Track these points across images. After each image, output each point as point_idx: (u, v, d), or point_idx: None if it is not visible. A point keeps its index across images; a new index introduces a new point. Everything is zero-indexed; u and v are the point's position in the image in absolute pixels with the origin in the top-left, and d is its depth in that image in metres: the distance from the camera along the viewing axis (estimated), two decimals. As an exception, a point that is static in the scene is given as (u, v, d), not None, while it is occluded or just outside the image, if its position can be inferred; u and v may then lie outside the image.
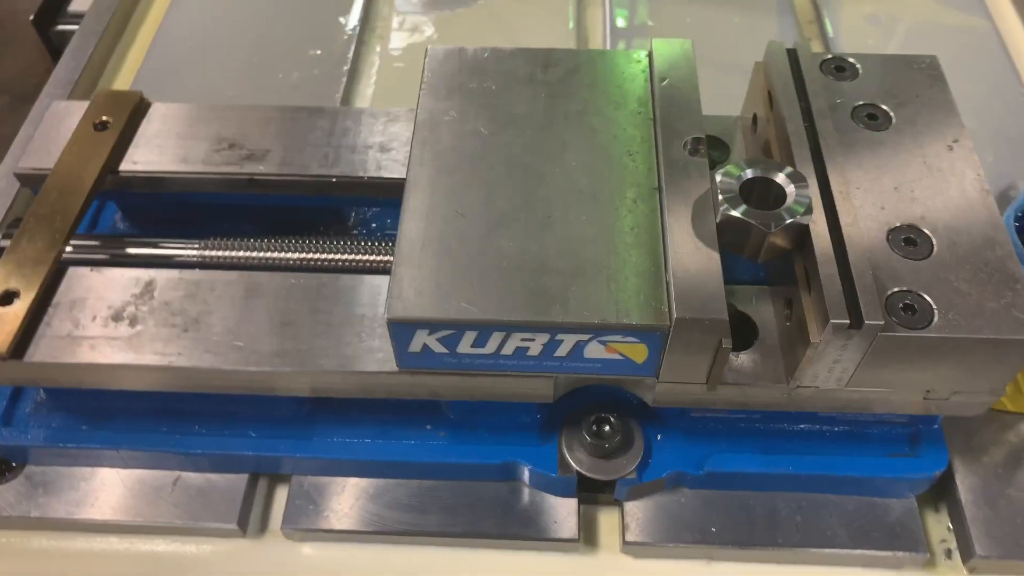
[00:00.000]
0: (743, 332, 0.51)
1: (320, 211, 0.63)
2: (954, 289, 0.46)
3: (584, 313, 0.45)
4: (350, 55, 0.83)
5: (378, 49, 0.86)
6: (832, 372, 0.47)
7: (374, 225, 0.65)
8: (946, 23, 0.87)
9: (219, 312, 0.52)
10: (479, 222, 0.49)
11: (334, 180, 0.59)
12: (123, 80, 0.84)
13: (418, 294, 0.46)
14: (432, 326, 0.45)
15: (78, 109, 0.63)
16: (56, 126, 0.62)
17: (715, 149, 0.60)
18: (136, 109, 0.62)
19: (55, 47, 1.16)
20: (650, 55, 0.57)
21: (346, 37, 0.85)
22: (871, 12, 0.88)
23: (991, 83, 0.81)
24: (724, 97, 0.78)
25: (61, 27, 1.15)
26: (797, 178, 0.47)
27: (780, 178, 0.47)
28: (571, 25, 0.87)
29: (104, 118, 0.61)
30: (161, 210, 0.63)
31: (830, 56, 0.57)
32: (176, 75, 0.82)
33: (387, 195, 0.59)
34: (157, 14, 0.89)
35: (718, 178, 0.47)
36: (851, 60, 0.57)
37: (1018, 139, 0.76)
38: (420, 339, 0.46)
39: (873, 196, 0.49)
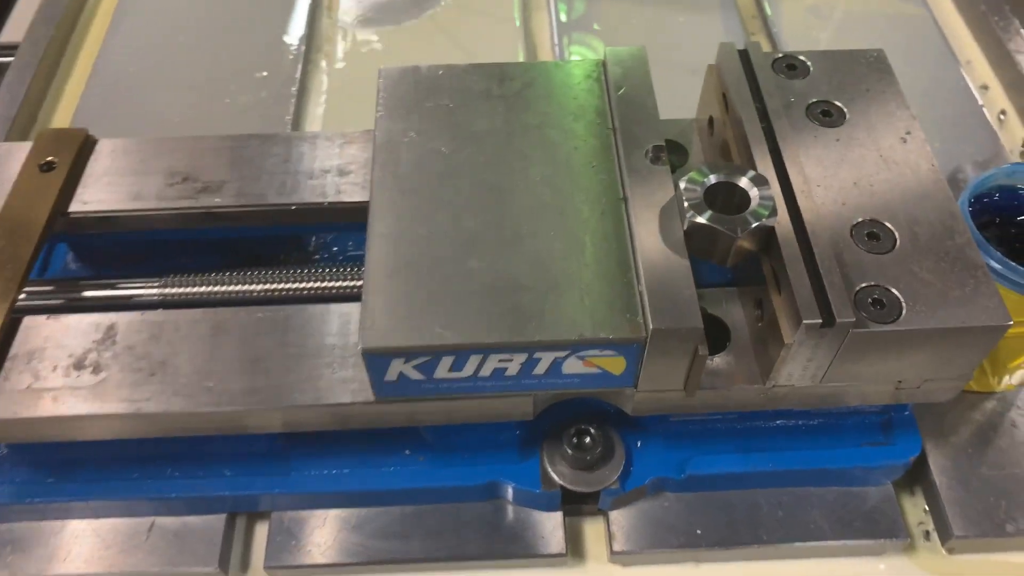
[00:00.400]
0: (716, 335, 0.52)
1: (280, 239, 0.62)
2: (919, 280, 0.47)
3: (560, 329, 0.45)
4: (297, 75, 0.82)
5: (324, 67, 0.85)
6: (806, 370, 0.48)
7: (335, 249, 0.64)
8: (885, 12, 0.89)
9: (186, 353, 0.50)
10: (447, 243, 0.48)
11: (293, 208, 0.58)
12: (63, 113, 0.81)
13: (391, 322, 0.45)
14: (408, 354, 0.45)
15: (20, 151, 0.60)
16: (-1, 170, 0.60)
17: (673, 153, 0.60)
18: (82, 147, 0.60)
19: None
20: (604, 64, 0.57)
21: (291, 57, 0.84)
22: (812, 3, 0.89)
23: (932, 70, 0.83)
24: (674, 96, 0.79)
25: (-8, 60, 1.12)
26: (759, 181, 0.47)
27: (743, 182, 0.47)
28: (518, 23, 0.87)
29: (49, 159, 0.59)
30: (115, 249, 0.61)
31: (781, 55, 0.58)
32: (118, 106, 0.80)
33: (349, 219, 0.58)
34: (94, 42, 0.87)
35: (682, 185, 0.47)
36: (801, 58, 0.57)
37: (961, 123, 0.78)
38: (396, 368, 0.46)
39: (833, 192, 0.50)
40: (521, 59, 0.84)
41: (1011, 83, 0.83)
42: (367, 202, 0.51)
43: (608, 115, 0.55)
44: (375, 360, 0.45)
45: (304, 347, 0.50)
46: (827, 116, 0.54)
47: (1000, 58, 0.85)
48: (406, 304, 0.46)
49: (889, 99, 0.56)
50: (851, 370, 0.48)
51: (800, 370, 0.48)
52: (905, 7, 0.89)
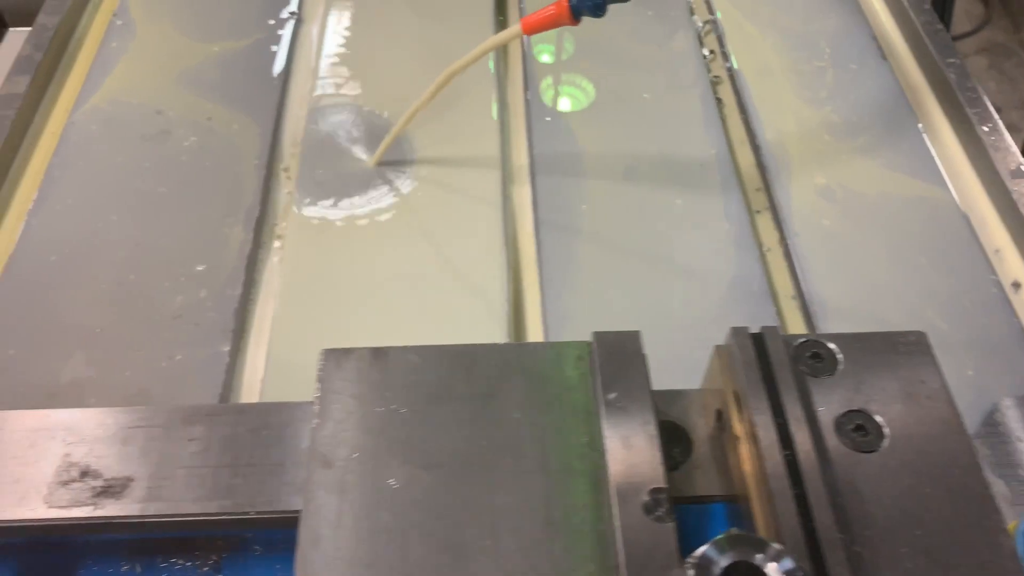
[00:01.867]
0: None
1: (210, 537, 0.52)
2: None
3: None
4: (243, 269, 0.72)
5: (277, 258, 0.75)
6: None
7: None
8: (904, 194, 0.80)
9: None
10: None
11: (214, 519, 0.47)
12: (-29, 315, 0.70)
13: None
14: None
15: None
16: None
17: (676, 445, 0.50)
18: (-40, 425, 0.50)
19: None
20: (592, 350, 0.48)
21: (236, 246, 0.74)
22: (824, 184, 0.80)
23: (959, 270, 0.74)
24: (669, 324, 0.70)
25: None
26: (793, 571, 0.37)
27: (771, 569, 0.37)
28: (501, 253, 0.78)
29: (-85, 445, 0.49)
30: (15, 553, 0.50)
31: (803, 339, 0.48)
32: (32, 312, 0.69)
33: (287, 526, 0.48)
34: (13, 226, 0.76)
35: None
36: (829, 346, 0.48)
37: (997, 343, 0.69)
38: None
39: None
40: (500, 239, 0.75)
41: (1046, 281, 0.74)
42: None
43: (598, 431, 0.45)
44: None
45: None
46: (862, 434, 0.45)
47: (1032, 249, 0.76)
48: None
49: (936, 407, 0.46)
50: None
51: None
52: (926, 188, 0.80)
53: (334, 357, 0.47)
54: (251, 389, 0.66)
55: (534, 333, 0.71)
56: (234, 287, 0.71)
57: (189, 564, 0.54)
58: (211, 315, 0.69)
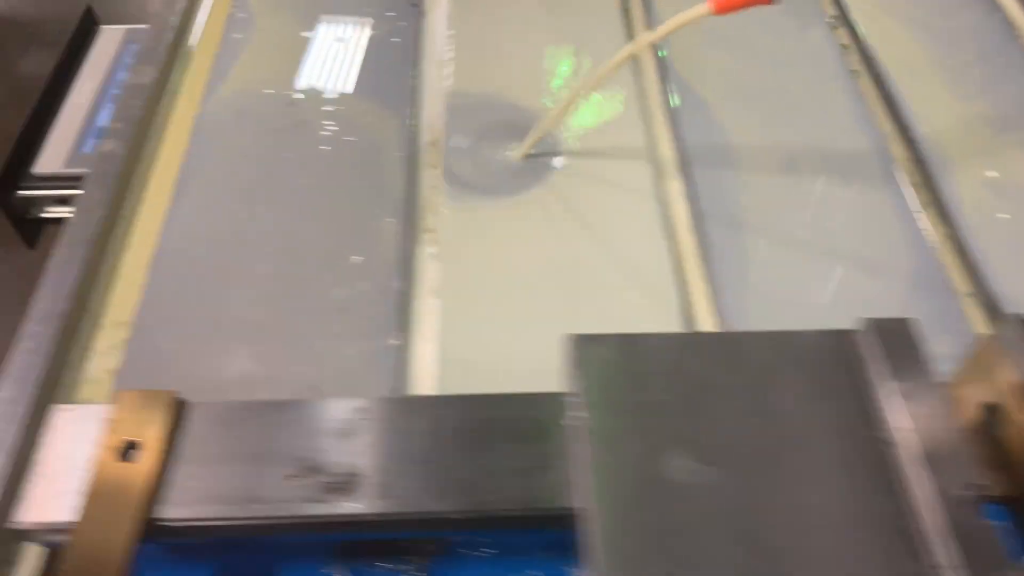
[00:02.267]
0: None
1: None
2: None
3: None
4: (401, 262, 0.69)
5: (430, 250, 0.72)
6: None
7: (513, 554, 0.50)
8: (1073, 189, 0.77)
9: None
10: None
11: (458, 519, 0.44)
12: (119, 308, 0.67)
13: None
14: None
15: (89, 419, 0.47)
16: (63, 451, 0.46)
17: (934, 441, 0.47)
18: (172, 417, 0.47)
19: (19, 214, 1.00)
20: (858, 338, 0.45)
21: (391, 238, 0.71)
22: (993, 178, 0.77)
23: None
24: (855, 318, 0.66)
25: (24, 192, 0.99)
26: None
27: None
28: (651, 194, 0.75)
29: (130, 438, 0.46)
30: (215, 553, 0.47)
31: (1081, 327, 0.45)
32: (187, 302, 0.66)
33: (544, 526, 0.45)
34: (152, 218, 0.73)
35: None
36: (1112, 334, 0.45)
37: None
38: None
39: None
40: (660, 231, 0.72)
41: None
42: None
43: (885, 422, 0.42)
44: None
45: None
46: None
47: None
48: None
49: None
50: None
51: None
52: (1096, 182, 0.77)
53: (584, 343, 0.44)
54: (423, 384, 0.63)
55: (706, 328, 0.68)
56: (395, 280, 0.68)
57: (393, 568, 0.51)
58: (375, 308, 0.66)
